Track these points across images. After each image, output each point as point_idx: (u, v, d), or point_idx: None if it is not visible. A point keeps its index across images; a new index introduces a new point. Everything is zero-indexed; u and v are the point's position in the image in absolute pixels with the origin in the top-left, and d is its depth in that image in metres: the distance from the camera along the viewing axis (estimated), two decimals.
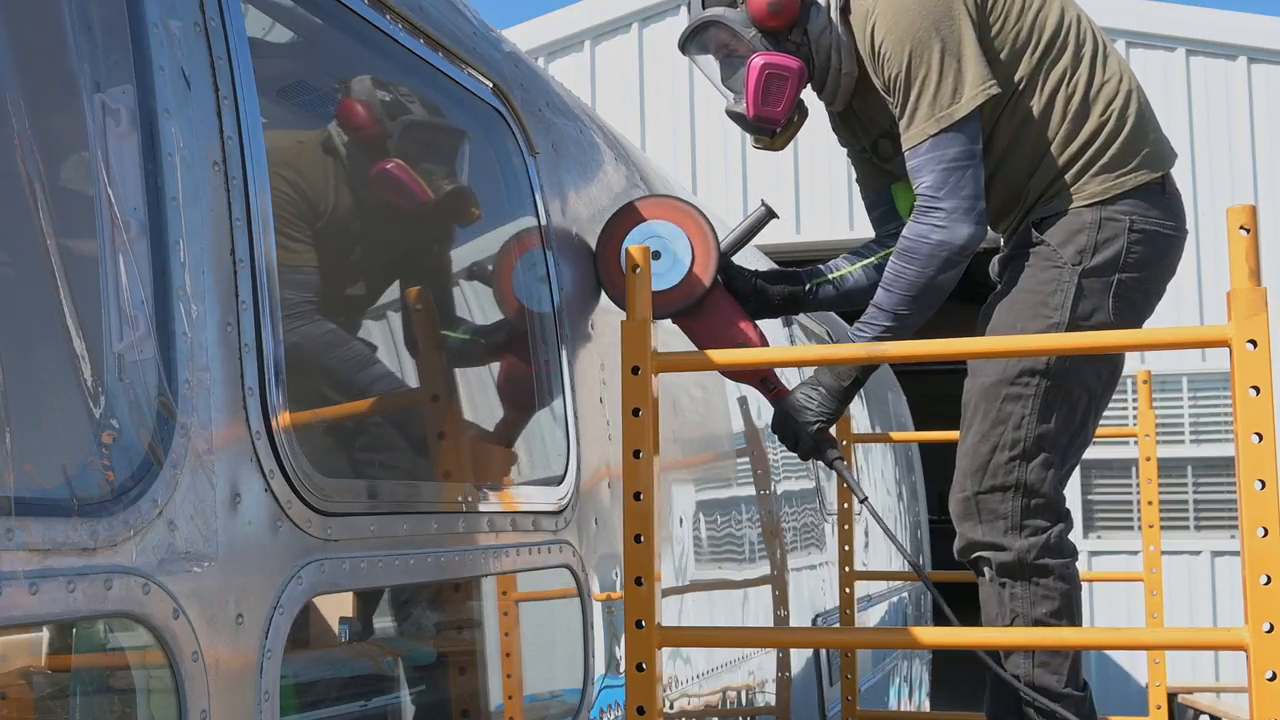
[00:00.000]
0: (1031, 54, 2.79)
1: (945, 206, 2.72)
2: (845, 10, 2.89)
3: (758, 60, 2.87)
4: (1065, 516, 2.80)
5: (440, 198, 2.47)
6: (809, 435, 2.89)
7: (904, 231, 2.79)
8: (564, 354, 2.54)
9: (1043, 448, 2.74)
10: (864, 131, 3.08)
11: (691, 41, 2.99)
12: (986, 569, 2.80)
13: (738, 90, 2.95)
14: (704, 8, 2.92)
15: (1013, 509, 2.74)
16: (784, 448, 3.12)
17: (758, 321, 2.95)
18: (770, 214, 2.98)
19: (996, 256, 2.99)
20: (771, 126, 2.97)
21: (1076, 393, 2.77)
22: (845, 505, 4.62)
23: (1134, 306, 2.79)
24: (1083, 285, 2.74)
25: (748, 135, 3.14)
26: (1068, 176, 2.79)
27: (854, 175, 3.33)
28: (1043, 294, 2.76)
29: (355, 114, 2.24)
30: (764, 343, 2.89)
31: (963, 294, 3.54)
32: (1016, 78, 2.79)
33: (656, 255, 2.72)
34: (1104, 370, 2.83)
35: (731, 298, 2.89)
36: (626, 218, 2.76)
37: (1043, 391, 2.73)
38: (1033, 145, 2.81)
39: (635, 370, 2.42)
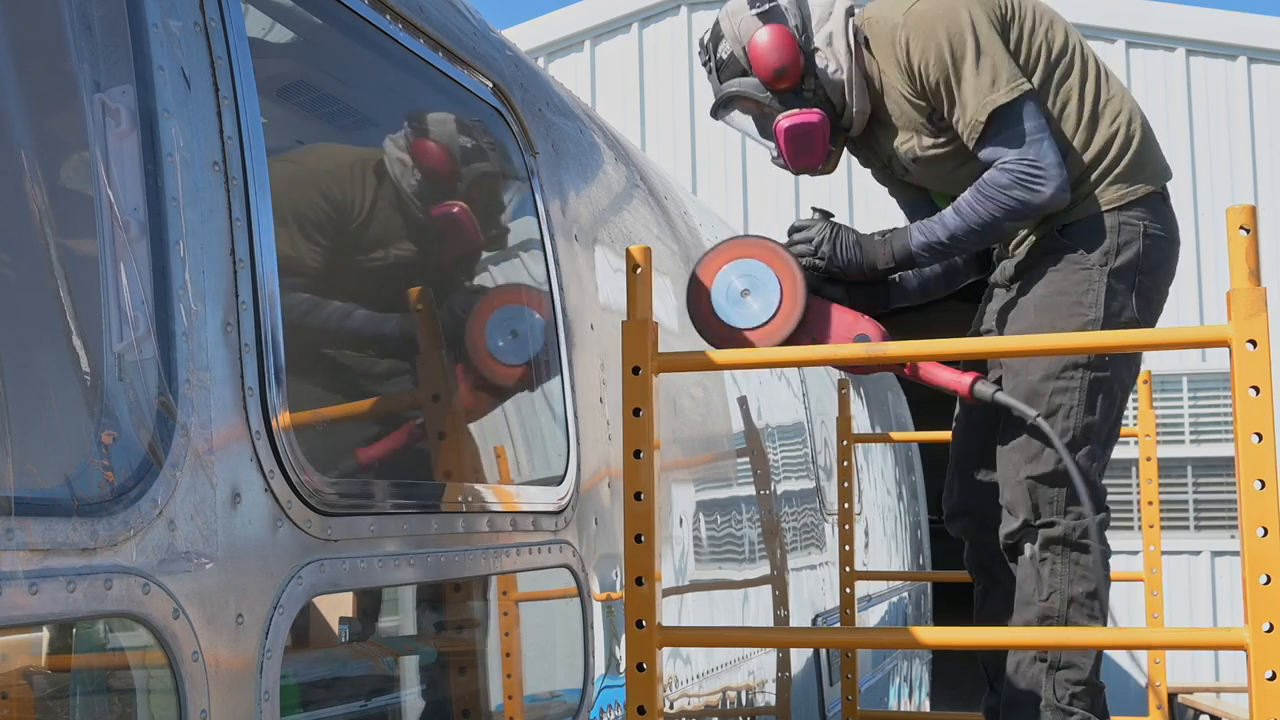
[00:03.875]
0: (1044, 68, 2.92)
1: (1032, 161, 2.81)
2: (864, 44, 3.03)
3: (782, 123, 3.04)
4: (1106, 509, 2.93)
5: (458, 207, 2.47)
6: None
7: (990, 173, 2.86)
8: (564, 354, 2.54)
9: (1088, 438, 2.88)
10: (880, 150, 3.20)
11: (719, 113, 3.19)
12: (1029, 546, 2.91)
13: (775, 142, 3.12)
14: (721, 82, 3.11)
15: (1057, 494, 2.87)
16: (784, 448, 3.15)
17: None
18: (827, 216, 3.12)
19: (1006, 260, 3.08)
20: (813, 172, 3.17)
21: (1114, 387, 2.92)
22: (845, 505, 4.62)
23: (1150, 306, 2.94)
24: (1111, 285, 2.88)
25: (752, 140, 3.27)
26: (1085, 185, 2.91)
27: (853, 175, 3.41)
28: (1076, 294, 2.89)
29: (426, 152, 2.34)
30: (881, 332, 2.92)
31: (963, 294, 3.56)
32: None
33: (745, 293, 2.82)
34: (1135, 366, 2.99)
35: (827, 304, 2.93)
36: (712, 261, 2.86)
37: (1087, 384, 2.87)
38: None
39: (635, 370, 2.42)
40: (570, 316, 2.59)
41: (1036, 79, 2.90)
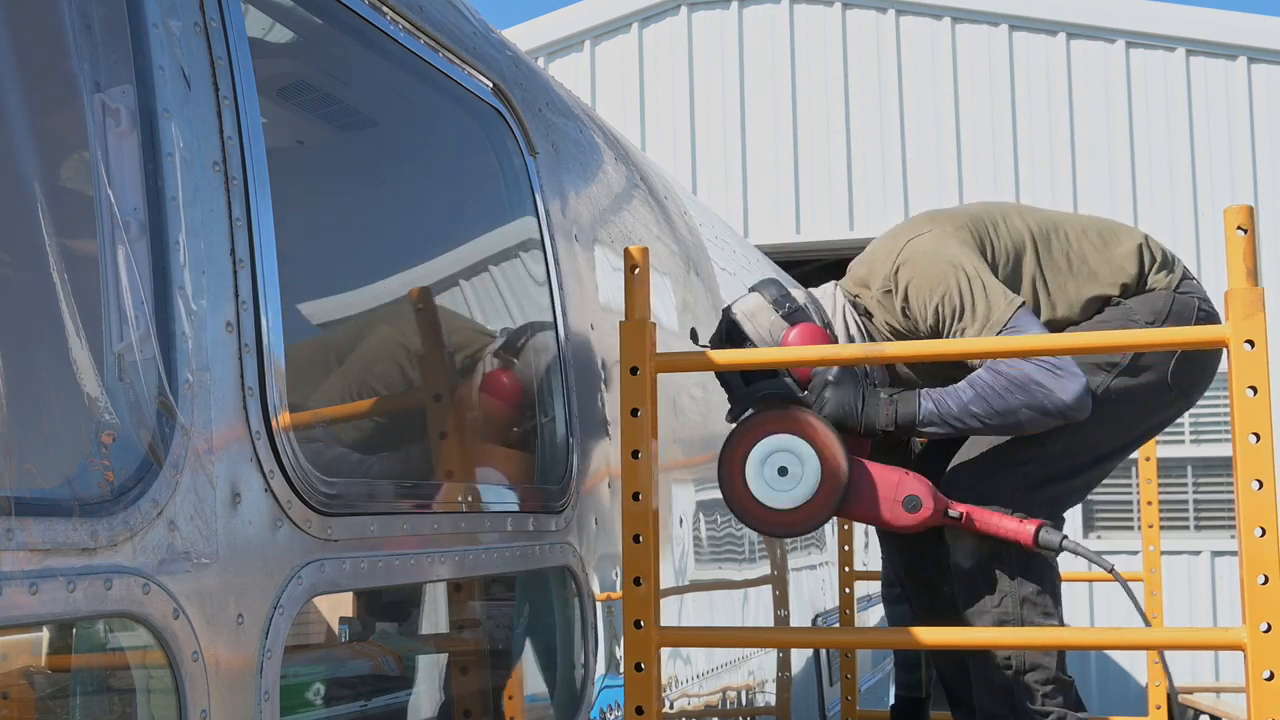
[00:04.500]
0: (1028, 254, 2.96)
1: (1061, 362, 2.74)
2: (864, 314, 3.03)
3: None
4: (1061, 519, 2.93)
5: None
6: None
7: (1012, 361, 2.75)
8: (564, 354, 2.54)
9: (1051, 460, 2.87)
10: (898, 381, 3.16)
11: (740, 414, 3.03)
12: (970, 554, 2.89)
13: None
14: (747, 383, 2.91)
15: (1012, 498, 2.85)
16: None
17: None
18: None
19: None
20: None
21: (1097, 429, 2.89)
22: None
23: (1190, 376, 2.94)
24: None
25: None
26: (1140, 285, 2.96)
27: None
28: None
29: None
30: (929, 487, 2.78)
31: None
32: (1029, 277, 2.94)
33: (783, 471, 2.67)
34: (1119, 431, 2.95)
35: (867, 466, 2.77)
36: (742, 440, 2.71)
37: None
38: (1085, 309, 2.95)
39: (634, 370, 2.42)
40: (570, 316, 2.59)
41: (1027, 269, 2.93)
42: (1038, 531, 2.73)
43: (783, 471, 2.66)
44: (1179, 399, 2.97)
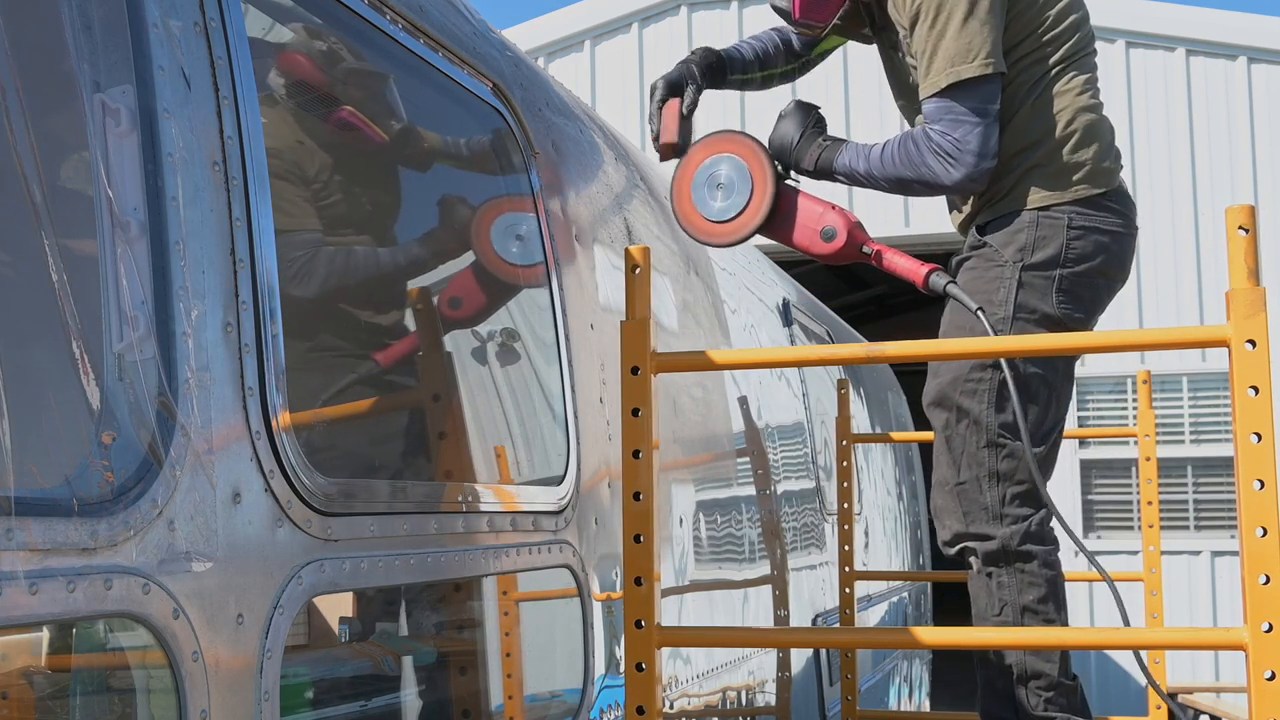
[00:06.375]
0: (1019, 52, 2.85)
1: (957, 141, 2.79)
2: None
3: None
4: (1046, 504, 2.85)
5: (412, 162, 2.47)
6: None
7: (918, 131, 2.85)
8: (564, 353, 2.54)
9: (1008, 437, 2.82)
10: (880, 20, 3.12)
11: None
12: (974, 560, 2.88)
13: None
14: None
15: (992, 499, 2.83)
16: (784, 448, 3.14)
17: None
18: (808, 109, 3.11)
19: (954, 259, 3.07)
20: (813, 31, 3.15)
21: (1034, 385, 2.84)
22: (845, 505, 4.62)
23: (1081, 300, 2.87)
24: (1024, 280, 2.84)
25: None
26: (1010, 179, 2.87)
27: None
28: (988, 292, 2.86)
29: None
30: (848, 220, 2.93)
31: None
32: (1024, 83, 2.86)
33: (721, 185, 2.93)
34: (1058, 362, 2.90)
35: (797, 195, 2.94)
36: (694, 155, 2.97)
37: (996, 384, 2.82)
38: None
39: (635, 370, 2.42)
40: (570, 316, 2.59)
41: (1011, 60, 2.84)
42: (928, 274, 2.86)
43: (720, 186, 2.93)
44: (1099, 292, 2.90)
